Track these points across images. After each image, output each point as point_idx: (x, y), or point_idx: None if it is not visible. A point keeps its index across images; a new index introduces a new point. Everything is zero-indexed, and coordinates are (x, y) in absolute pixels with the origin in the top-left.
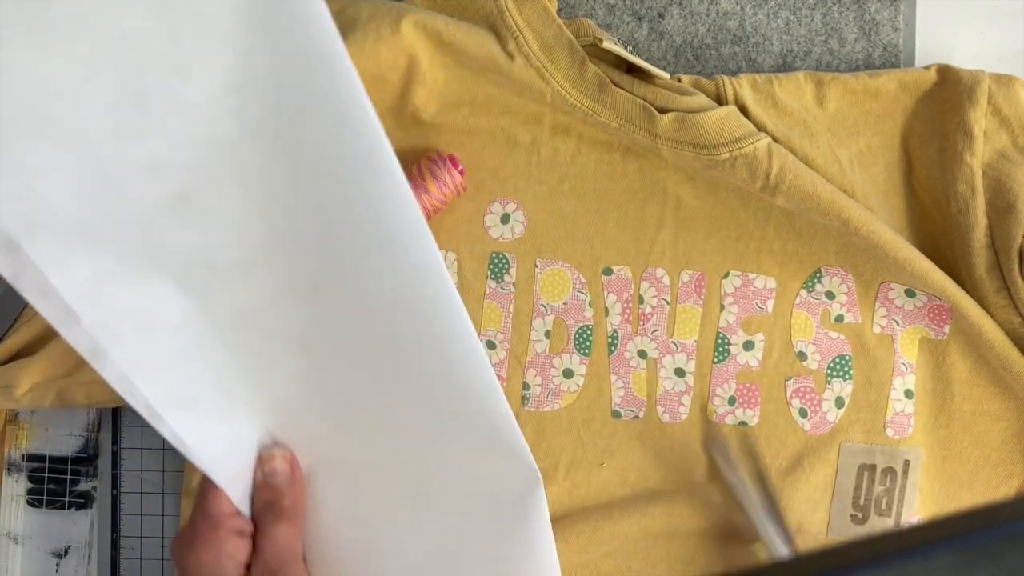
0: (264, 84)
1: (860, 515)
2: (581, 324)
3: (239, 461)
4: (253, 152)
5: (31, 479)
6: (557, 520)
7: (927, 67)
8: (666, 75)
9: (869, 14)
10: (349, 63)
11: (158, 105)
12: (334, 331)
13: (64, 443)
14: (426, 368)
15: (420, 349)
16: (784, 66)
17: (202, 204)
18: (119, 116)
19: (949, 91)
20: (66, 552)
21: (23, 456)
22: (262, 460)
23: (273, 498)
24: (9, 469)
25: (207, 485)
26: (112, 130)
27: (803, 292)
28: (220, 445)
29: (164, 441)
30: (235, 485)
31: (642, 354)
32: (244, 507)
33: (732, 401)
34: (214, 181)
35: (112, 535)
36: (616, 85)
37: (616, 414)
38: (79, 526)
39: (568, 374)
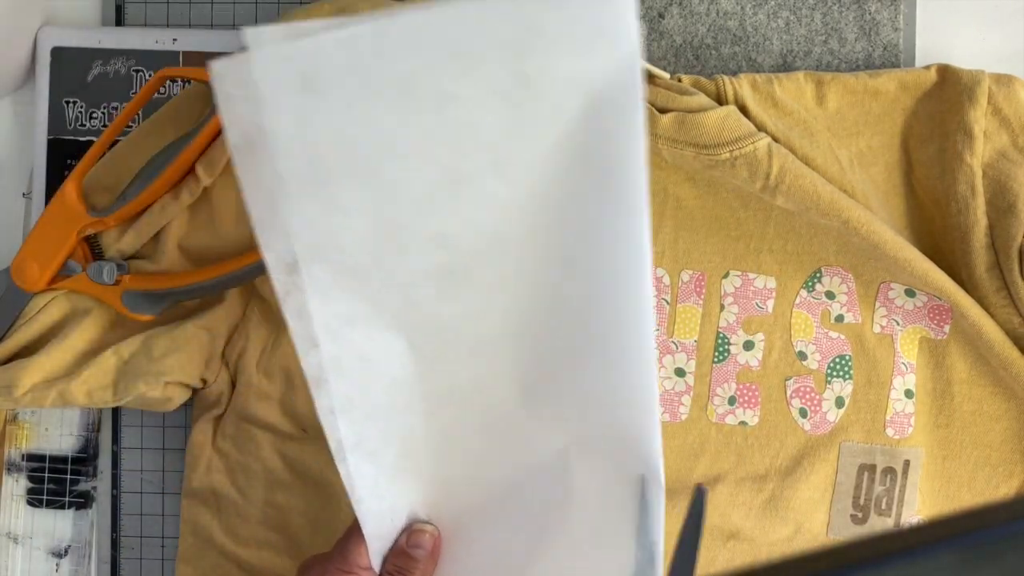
0: (561, 202)
1: (860, 515)
2: None
3: (390, 523)
4: (526, 253)
5: (31, 479)
6: None
7: (927, 67)
8: (666, 75)
9: (869, 14)
10: (647, 219)
11: (465, 190)
12: (525, 430)
13: (64, 443)
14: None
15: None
16: (784, 66)
17: (463, 282)
18: (430, 189)
19: (949, 91)
20: (66, 552)
21: (23, 456)
22: (412, 530)
23: (407, 567)
24: (9, 469)
25: (355, 532)
26: (419, 198)
27: (803, 292)
28: (382, 503)
29: (164, 441)
30: (376, 541)
31: None
32: (375, 562)
33: (732, 401)
34: (481, 266)
35: (112, 535)
36: None
37: None
38: (79, 526)
39: None
